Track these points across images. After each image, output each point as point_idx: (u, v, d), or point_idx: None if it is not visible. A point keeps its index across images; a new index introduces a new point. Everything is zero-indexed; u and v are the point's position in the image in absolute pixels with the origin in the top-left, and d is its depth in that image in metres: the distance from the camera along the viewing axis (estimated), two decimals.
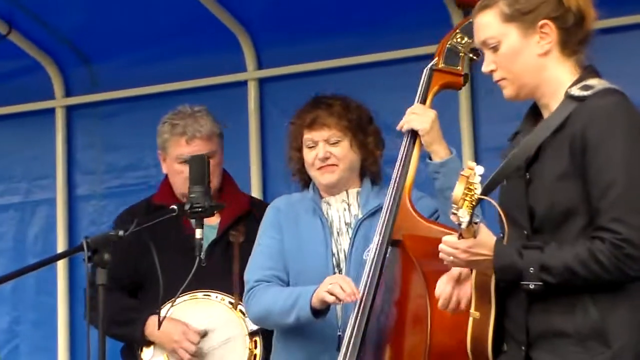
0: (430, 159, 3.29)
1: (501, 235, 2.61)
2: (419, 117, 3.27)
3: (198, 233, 3.03)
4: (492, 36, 2.73)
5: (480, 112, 4.57)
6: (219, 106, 4.90)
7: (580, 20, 2.73)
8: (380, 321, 3.17)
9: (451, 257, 2.60)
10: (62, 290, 5.04)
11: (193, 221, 3.11)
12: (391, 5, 4.62)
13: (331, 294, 3.14)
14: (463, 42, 3.29)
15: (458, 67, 3.30)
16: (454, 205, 2.47)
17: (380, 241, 3.17)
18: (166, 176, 3.94)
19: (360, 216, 3.40)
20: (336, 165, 3.41)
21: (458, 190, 2.45)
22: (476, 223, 2.52)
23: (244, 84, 4.91)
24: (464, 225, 2.48)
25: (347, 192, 3.44)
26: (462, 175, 2.47)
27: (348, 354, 3.10)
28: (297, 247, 3.38)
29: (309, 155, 3.44)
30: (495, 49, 2.74)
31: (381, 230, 3.19)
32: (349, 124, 3.44)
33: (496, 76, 2.77)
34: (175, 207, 3.04)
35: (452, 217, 2.53)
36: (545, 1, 2.71)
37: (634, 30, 4.38)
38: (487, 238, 2.57)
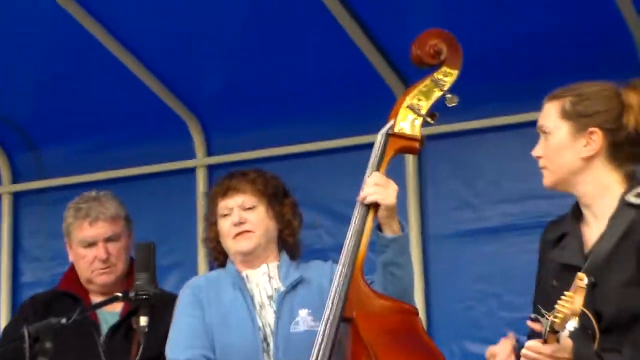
0: (380, 230, 3.15)
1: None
2: (383, 190, 3.11)
3: (142, 320, 2.99)
4: (547, 125, 2.87)
5: (427, 199, 4.61)
6: (168, 192, 4.93)
7: (636, 139, 2.82)
8: None
9: None
10: None
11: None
12: (341, 93, 4.67)
13: None
14: (420, 104, 3.16)
15: (416, 133, 3.15)
16: (572, 317, 2.48)
17: (331, 319, 3.04)
18: (72, 264, 3.88)
19: (282, 289, 3.29)
20: (252, 231, 3.30)
21: (578, 302, 2.48)
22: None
23: (192, 170, 4.92)
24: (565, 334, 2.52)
25: (267, 265, 3.33)
26: (581, 287, 2.50)
27: None
28: (221, 321, 3.25)
29: (224, 225, 3.33)
30: (546, 137, 2.85)
31: (332, 307, 3.05)
32: (264, 189, 3.34)
33: (540, 163, 2.90)
34: (119, 294, 3.01)
35: (533, 324, 2.59)
36: (605, 111, 2.83)
37: None
38: (567, 342, 2.62)
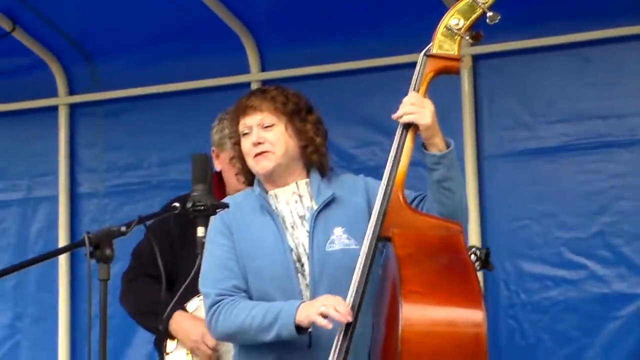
0: (426, 148, 3.14)
1: None
2: (419, 110, 3.11)
3: (200, 231, 3.01)
4: None
5: (483, 119, 4.59)
6: (222, 107, 4.92)
7: None
8: (377, 322, 3.10)
9: None
10: (64, 286, 5.06)
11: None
12: (395, 9, 4.63)
13: (324, 316, 3.00)
14: (459, 24, 3.15)
15: (453, 52, 3.14)
16: None
17: (370, 238, 3.05)
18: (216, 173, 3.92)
19: (314, 208, 3.24)
20: (271, 152, 3.25)
21: None
22: None
23: (247, 85, 4.92)
24: None
25: (297, 184, 3.30)
26: None
27: (336, 356, 2.98)
28: (251, 247, 3.23)
29: (245, 144, 3.29)
30: None
31: (372, 227, 3.06)
32: (284, 108, 3.27)
33: None
34: (177, 204, 3.03)
35: None
36: None
37: (627, 42, 4.40)
38: None
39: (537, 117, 4.53)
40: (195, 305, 3.75)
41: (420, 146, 3.15)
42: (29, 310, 5.15)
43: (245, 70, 4.96)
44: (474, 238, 4.43)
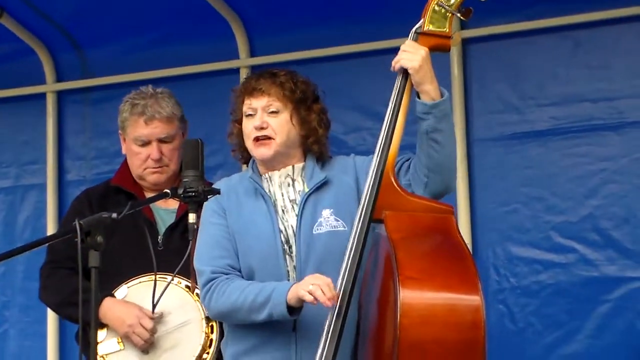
0: (419, 98, 3.14)
1: None
2: (409, 55, 3.11)
3: (191, 218, 3.00)
4: None
5: (473, 102, 4.58)
6: (210, 93, 4.92)
7: None
8: (367, 305, 3.10)
9: None
10: None
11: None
12: None
13: (311, 294, 3.00)
14: (450, 1, 3.14)
15: (445, 29, 3.15)
16: None
17: (361, 221, 3.04)
18: (125, 160, 3.89)
19: (306, 191, 3.26)
20: (272, 138, 3.26)
21: None
22: None
23: (236, 71, 4.90)
24: None
25: (292, 167, 3.30)
26: None
27: (327, 342, 2.98)
28: (242, 228, 3.24)
29: (247, 125, 3.29)
30: None
31: (362, 210, 3.06)
32: (291, 95, 3.27)
33: None
34: (167, 191, 3.02)
35: None
36: None
37: (618, 24, 4.39)
38: None
39: (527, 101, 4.51)
40: (124, 293, 3.64)
41: (414, 96, 3.14)
42: (17, 299, 5.13)
43: (235, 55, 4.94)
44: (463, 222, 4.43)
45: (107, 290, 3.62)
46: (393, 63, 3.17)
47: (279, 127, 3.26)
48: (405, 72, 3.14)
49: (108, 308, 3.62)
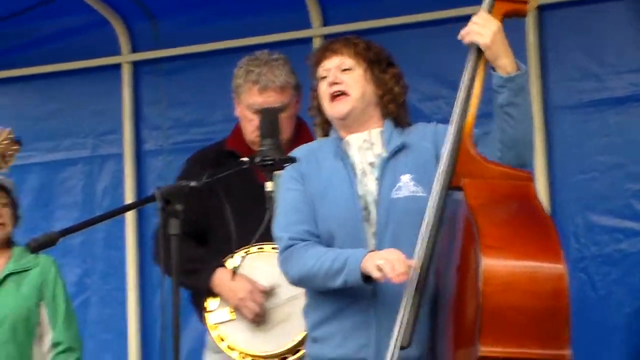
0: (494, 70, 3.08)
1: None
2: (480, 28, 3.05)
3: (269, 186, 3.02)
4: None
5: (549, 70, 4.52)
6: None
7: None
8: (445, 272, 3.07)
9: None
10: (131, 243, 5.10)
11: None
12: None
13: (380, 270, 3.00)
14: None
15: None
16: None
17: (439, 188, 3.02)
18: (238, 123, 3.89)
19: (384, 155, 3.22)
20: (347, 94, 3.22)
21: None
22: None
23: (309, 40, 4.89)
24: None
25: (370, 132, 3.27)
26: None
27: (406, 310, 2.98)
28: (322, 192, 3.23)
29: (322, 87, 3.26)
30: None
31: (440, 178, 3.03)
32: (365, 53, 3.25)
33: None
34: (246, 159, 3.03)
35: None
36: None
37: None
38: None
39: (605, 67, 4.45)
40: (237, 262, 3.66)
41: (490, 71, 3.08)
42: (98, 267, 5.20)
43: (307, 25, 4.93)
44: (542, 190, 4.38)
45: (223, 254, 3.64)
46: (462, 33, 3.10)
47: (352, 82, 3.24)
48: (477, 48, 3.09)
49: (221, 280, 3.65)
